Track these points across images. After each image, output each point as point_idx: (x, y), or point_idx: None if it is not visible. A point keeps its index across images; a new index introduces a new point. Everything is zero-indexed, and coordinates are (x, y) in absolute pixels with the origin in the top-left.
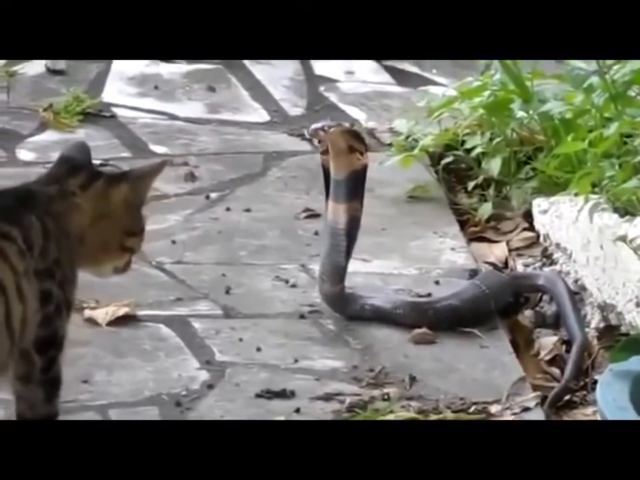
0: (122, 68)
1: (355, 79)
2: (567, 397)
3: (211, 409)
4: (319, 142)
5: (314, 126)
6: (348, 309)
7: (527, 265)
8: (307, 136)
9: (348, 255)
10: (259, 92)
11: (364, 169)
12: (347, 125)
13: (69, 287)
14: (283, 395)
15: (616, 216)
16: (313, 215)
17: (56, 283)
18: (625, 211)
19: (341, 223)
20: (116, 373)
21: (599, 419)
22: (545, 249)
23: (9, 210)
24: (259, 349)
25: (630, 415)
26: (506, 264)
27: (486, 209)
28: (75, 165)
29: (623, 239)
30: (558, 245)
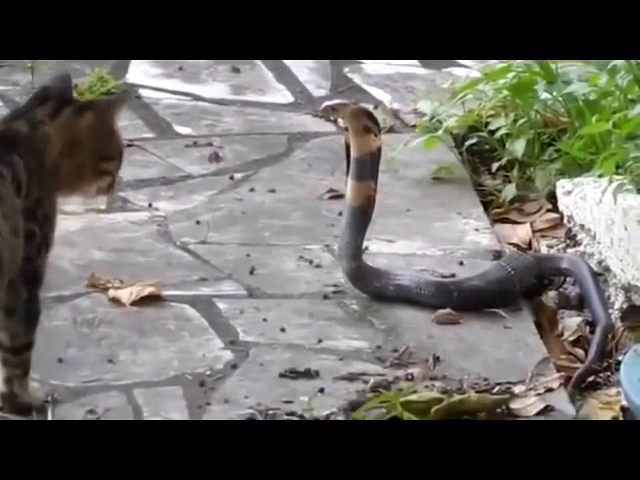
0: None
1: (379, 60)
2: (591, 378)
3: (234, 389)
4: (335, 120)
5: (325, 103)
6: (370, 286)
7: (550, 247)
8: (320, 111)
9: (362, 232)
10: (283, 73)
11: (378, 150)
12: (361, 105)
13: (48, 227)
14: (307, 374)
15: None
16: (337, 196)
17: (38, 222)
18: None
19: (356, 200)
20: (140, 352)
21: (623, 399)
22: (569, 230)
23: None
24: (283, 329)
25: None
26: (530, 245)
27: (510, 191)
28: (46, 95)
29: None
30: (582, 226)
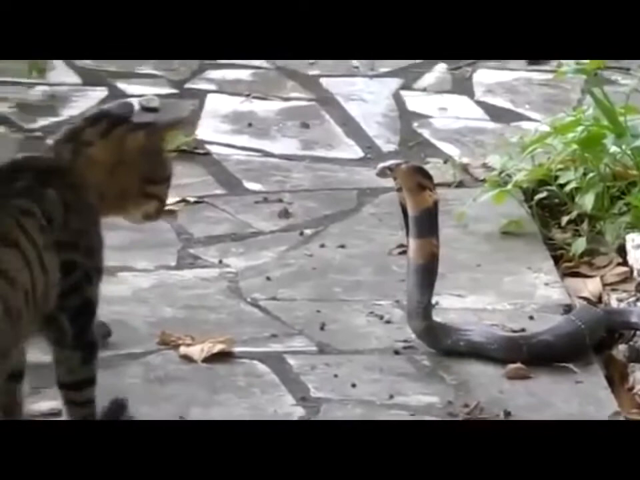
0: (216, 106)
1: (448, 114)
2: None
3: None
4: (394, 180)
5: (381, 165)
6: (441, 343)
7: (620, 300)
8: (376, 175)
9: (430, 289)
10: (352, 128)
11: (435, 205)
12: (413, 163)
13: (96, 254)
14: None
15: None
16: (407, 251)
17: (80, 252)
18: None
19: (420, 258)
20: (212, 409)
21: None
22: (639, 284)
23: (29, 188)
24: (354, 385)
25: None
26: (600, 299)
27: (580, 244)
28: (102, 116)
29: None
30: None
